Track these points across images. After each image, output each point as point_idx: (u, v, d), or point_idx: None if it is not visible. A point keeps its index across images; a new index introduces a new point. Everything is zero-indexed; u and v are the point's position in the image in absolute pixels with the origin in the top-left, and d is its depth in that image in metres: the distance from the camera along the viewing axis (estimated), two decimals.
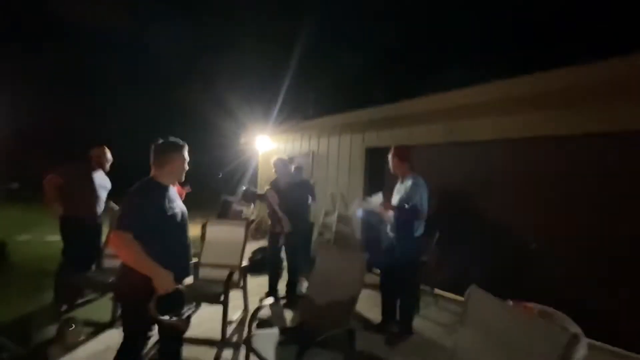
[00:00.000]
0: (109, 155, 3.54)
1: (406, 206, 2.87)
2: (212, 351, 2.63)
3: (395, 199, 3.06)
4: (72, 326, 2.64)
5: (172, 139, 1.89)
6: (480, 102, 3.63)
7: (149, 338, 1.82)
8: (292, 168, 3.87)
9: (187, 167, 1.93)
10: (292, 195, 3.63)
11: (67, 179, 3.17)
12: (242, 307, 3.39)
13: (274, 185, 3.78)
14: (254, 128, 7.73)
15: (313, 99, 8.33)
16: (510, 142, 3.68)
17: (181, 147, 1.88)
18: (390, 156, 3.10)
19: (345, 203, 5.53)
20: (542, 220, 3.45)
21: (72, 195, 3.16)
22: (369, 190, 5.33)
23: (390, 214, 2.99)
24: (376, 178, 5.17)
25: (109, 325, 2.95)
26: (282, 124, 7.22)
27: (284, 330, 2.23)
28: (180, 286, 1.77)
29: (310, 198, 3.96)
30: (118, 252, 1.69)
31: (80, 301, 3.35)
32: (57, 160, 3.50)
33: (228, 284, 2.86)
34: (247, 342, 2.01)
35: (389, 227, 3.09)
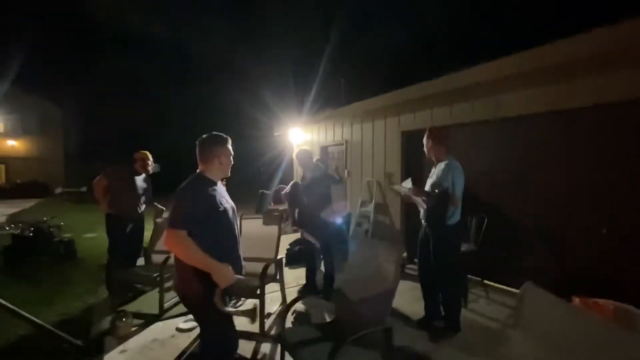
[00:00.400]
0: (150, 159, 3.72)
1: (436, 191, 2.64)
2: (251, 345, 2.64)
3: (427, 184, 2.85)
4: (123, 319, 2.81)
5: (215, 133, 1.86)
6: (531, 69, 3.20)
7: (231, 331, 1.88)
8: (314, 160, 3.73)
9: (232, 161, 1.91)
10: (316, 189, 3.52)
11: (111, 180, 3.40)
12: (280, 299, 3.40)
13: (302, 179, 3.70)
14: (287, 120, 7.72)
15: (344, 85, 8.07)
16: (569, 113, 3.20)
17: (226, 141, 1.87)
18: (425, 139, 2.86)
19: (382, 192, 5.31)
20: (614, 201, 2.97)
21: (116, 195, 3.39)
22: (407, 177, 5.05)
23: (421, 200, 2.78)
24: (414, 163, 4.87)
25: (157, 317, 3.10)
26: (315, 114, 7.11)
27: (318, 326, 2.15)
28: (241, 277, 1.81)
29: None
30: (173, 250, 1.66)
31: (130, 295, 3.57)
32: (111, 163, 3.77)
33: (264, 278, 2.86)
34: (281, 338, 1.96)
35: (421, 214, 2.88)
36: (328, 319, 2.87)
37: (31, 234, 5.26)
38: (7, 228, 5.16)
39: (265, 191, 4.41)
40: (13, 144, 18.46)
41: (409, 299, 3.43)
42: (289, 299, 3.32)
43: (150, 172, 3.83)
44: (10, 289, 4.06)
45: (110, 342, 2.70)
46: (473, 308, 3.24)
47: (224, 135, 1.88)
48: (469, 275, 3.69)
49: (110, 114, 21.95)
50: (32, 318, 2.30)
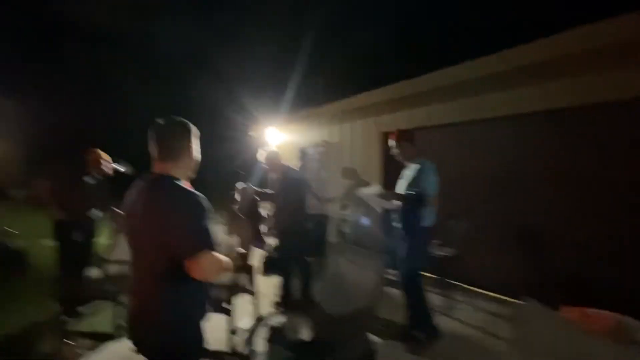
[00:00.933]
0: (105, 157, 3.36)
1: (410, 193, 2.57)
2: None
3: (399, 187, 2.77)
4: (70, 342, 2.45)
5: (181, 119, 1.38)
6: (514, 67, 3.14)
7: None
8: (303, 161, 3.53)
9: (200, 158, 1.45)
10: (289, 194, 3.31)
11: (54, 182, 3.04)
12: (253, 313, 3.14)
13: (271, 183, 3.49)
14: (263, 120, 7.42)
15: (323, 85, 7.88)
16: (553, 113, 3.17)
17: (192, 130, 1.40)
18: (392, 141, 2.80)
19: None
20: (608, 202, 2.92)
21: (61, 198, 3.04)
22: (386, 179, 4.93)
23: (393, 204, 2.71)
24: (393, 165, 4.74)
25: (111, 336, 2.76)
26: (292, 113, 6.88)
27: (293, 346, 1.93)
28: None
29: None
30: (212, 276, 1.26)
31: (81, 309, 3.20)
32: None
33: (233, 289, 2.59)
34: None
35: (393, 217, 2.79)
36: (305, 337, 2.64)
37: None
38: None
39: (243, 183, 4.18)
40: None
41: (392, 307, 3.27)
42: (263, 313, 3.07)
43: (109, 172, 3.46)
44: None
45: None
46: (455, 315, 3.12)
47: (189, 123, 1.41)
48: (450, 281, 3.60)
49: (75, 114, 20.64)
50: None
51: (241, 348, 2.59)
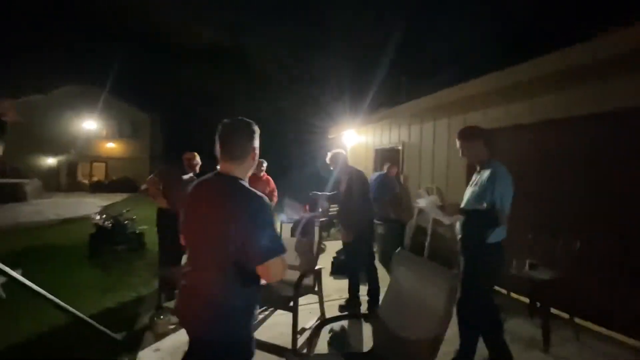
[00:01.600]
0: (197, 159, 3.82)
1: (478, 208, 2.07)
2: None
3: (466, 194, 2.28)
4: (162, 317, 2.82)
5: (247, 119, 1.38)
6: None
7: None
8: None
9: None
10: (348, 194, 3.21)
11: (162, 178, 3.56)
12: (319, 314, 3.12)
13: (339, 185, 3.42)
14: (342, 122, 7.47)
15: (405, 83, 7.50)
16: None
17: (257, 131, 1.38)
18: (457, 140, 2.31)
19: (444, 200, 4.70)
20: None
21: (165, 192, 3.54)
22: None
23: (457, 219, 2.23)
24: None
25: None
26: (370, 115, 6.73)
27: (349, 356, 1.82)
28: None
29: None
30: (277, 279, 1.25)
31: (176, 291, 3.65)
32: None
33: (299, 288, 2.62)
34: None
35: (457, 229, 2.31)
36: (363, 347, 2.50)
37: (110, 225, 5.85)
38: (97, 218, 5.83)
39: (317, 192, 4.24)
40: (112, 146, 21.63)
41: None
42: (328, 314, 3.03)
43: (197, 171, 3.91)
44: (86, 274, 4.52)
45: (148, 338, 2.72)
46: (558, 354, 2.54)
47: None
48: (553, 310, 2.97)
49: (188, 120, 24.49)
50: (74, 311, 2.40)
51: (301, 347, 2.60)
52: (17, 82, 19.52)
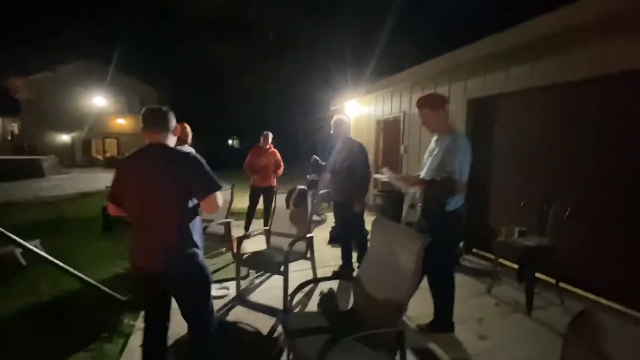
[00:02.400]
0: (188, 129, 3.85)
1: (438, 178, 2.13)
2: (272, 320, 2.59)
3: (426, 164, 2.34)
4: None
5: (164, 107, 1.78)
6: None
7: None
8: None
9: None
10: (345, 162, 3.25)
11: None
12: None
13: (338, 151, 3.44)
14: (344, 93, 7.33)
15: (409, 49, 7.21)
16: None
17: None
18: (418, 106, 2.32)
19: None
20: None
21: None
22: (473, 153, 4.33)
23: (414, 188, 2.32)
24: (483, 136, 4.13)
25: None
26: (372, 84, 6.57)
27: (329, 314, 1.95)
28: None
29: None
30: (216, 210, 1.67)
31: None
32: None
33: (288, 254, 2.75)
34: (283, 322, 1.81)
35: (413, 197, 2.53)
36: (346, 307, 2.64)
37: None
38: None
39: (317, 157, 4.33)
40: (122, 122, 21.92)
41: (456, 294, 2.97)
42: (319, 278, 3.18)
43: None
44: (99, 244, 4.81)
45: None
46: (540, 317, 2.63)
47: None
48: (542, 276, 3.03)
49: (193, 93, 24.43)
50: (82, 276, 2.60)
51: (292, 307, 2.76)
52: (24, 59, 19.62)
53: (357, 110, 6.90)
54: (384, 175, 2.53)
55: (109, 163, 19.38)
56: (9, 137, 20.12)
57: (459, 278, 3.37)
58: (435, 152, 2.29)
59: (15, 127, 22.33)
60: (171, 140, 1.74)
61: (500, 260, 3.27)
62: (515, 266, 3.27)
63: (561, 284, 2.87)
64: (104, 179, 12.94)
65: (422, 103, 2.30)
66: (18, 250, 3.59)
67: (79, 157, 21.12)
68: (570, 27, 2.82)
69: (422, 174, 2.37)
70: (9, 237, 2.36)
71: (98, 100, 20.07)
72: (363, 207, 3.25)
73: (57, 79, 20.05)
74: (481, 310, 2.74)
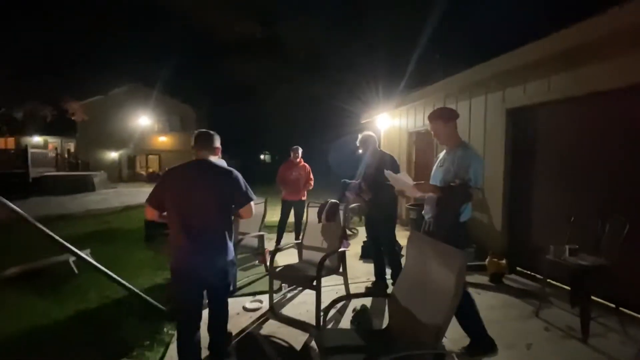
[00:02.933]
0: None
1: (452, 184, 2.13)
2: (304, 336, 2.56)
3: (436, 175, 2.34)
4: None
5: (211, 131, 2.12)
6: None
7: None
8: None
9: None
10: (375, 177, 3.18)
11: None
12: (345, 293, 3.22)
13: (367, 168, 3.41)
14: (374, 107, 7.32)
15: (440, 62, 7.09)
16: None
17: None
18: (430, 119, 2.36)
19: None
20: None
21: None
22: (512, 165, 4.10)
23: (427, 195, 2.32)
24: (521, 148, 3.92)
25: (230, 293, 3.34)
26: (405, 96, 6.51)
27: (364, 333, 1.89)
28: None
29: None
30: (250, 215, 2.05)
31: None
32: None
33: (320, 269, 2.72)
34: (317, 339, 1.79)
35: (425, 210, 2.41)
36: (380, 326, 2.54)
37: None
38: None
39: (347, 180, 4.24)
40: (164, 139, 23.39)
41: (499, 316, 2.77)
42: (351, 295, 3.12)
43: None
44: (142, 255, 5.08)
45: None
46: (597, 345, 2.37)
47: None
48: (595, 298, 2.75)
49: (230, 112, 25.64)
50: (128, 285, 2.75)
51: (325, 323, 2.71)
52: (81, 85, 21.75)
53: (388, 123, 6.85)
54: (390, 177, 2.50)
55: (150, 178, 20.65)
56: (66, 155, 22.15)
57: (503, 298, 3.17)
58: (446, 163, 2.30)
59: (71, 145, 24.57)
60: (213, 158, 2.02)
61: (549, 280, 3.02)
62: (566, 287, 3.02)
63: (621, 309, 2.59)
64: (145, 193, 13.76)
65: (435, 115, 2.37)
66: (72, 259, 3.88)
67: (124, 173, 22.74)
68: (620, 29, 2.64)
69: (437, 183, 2.35)
70: (66, 246, 2.55)
71: (143, 120, 21.73)
72: (394, 221, 3.17)
73: (108, 101, 22.05)
74: (530, 335, 2.52)
